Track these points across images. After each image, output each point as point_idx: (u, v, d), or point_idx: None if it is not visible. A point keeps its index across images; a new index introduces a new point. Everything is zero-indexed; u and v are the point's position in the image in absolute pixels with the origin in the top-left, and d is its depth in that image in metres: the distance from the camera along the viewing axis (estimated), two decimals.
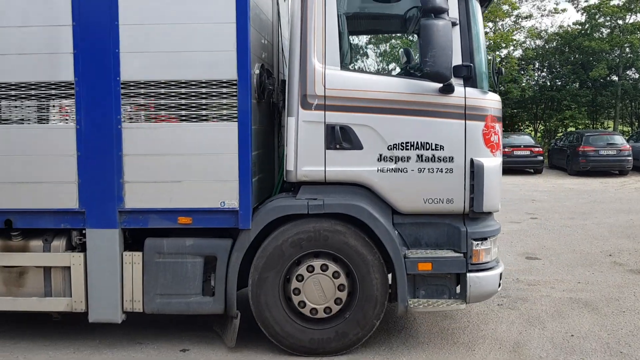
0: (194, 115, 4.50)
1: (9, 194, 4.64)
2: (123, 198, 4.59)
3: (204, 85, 4.47)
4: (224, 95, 4.47)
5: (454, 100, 4.53)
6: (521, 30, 30.62)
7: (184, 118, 4.51)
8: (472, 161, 4.55)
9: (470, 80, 4.56)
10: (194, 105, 4.49)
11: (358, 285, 4.57)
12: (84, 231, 4.67)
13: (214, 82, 4.46)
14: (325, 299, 4.58)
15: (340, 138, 4.53)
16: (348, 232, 4.52)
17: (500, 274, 4.75)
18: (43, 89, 4.54)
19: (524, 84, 28.58)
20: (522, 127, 32.39)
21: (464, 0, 4.54)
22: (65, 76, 4.52)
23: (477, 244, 4.59)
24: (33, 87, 4.54)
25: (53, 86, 4.54)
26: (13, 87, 4.55)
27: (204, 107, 4.49)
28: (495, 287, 4.71)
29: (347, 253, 4.54)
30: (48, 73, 4.53)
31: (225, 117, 4.49)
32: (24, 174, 4.62)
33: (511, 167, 19.93)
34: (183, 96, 4.48)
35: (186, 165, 4.55)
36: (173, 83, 4.47)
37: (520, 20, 30.64)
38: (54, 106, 4.59)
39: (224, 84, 4.46)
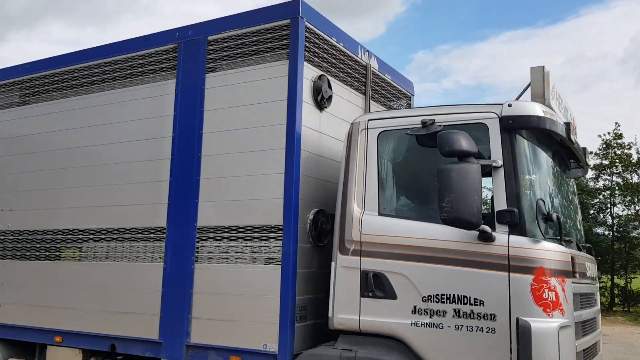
0: (248, 258, 4.85)
1: (114, 322, 5.48)
2: (190, 333, 5.04)
3: (257, 230, 4.83)
4: (272, 239, 4.75)
5: (495, 249, 4.02)
6: None
7: (240, 260, 4.88)
8: (517, 321, 3.87)
9: (516, 227, 4.02)
10: (249, 248, 4.86)
11: None
12: None
13: (265, 227, 4.80)
14: None
15: (373, 286, 4.34)
16: None
17: None
18: (146, 232, 5.45)
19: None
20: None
21: (508, 142, 4.16)
22: (160, 222, 5.36)
23: None
24: (140, 231, 5.48)
25: (152, 230, 5.41)
26: (127, 231, 5.56)
27: (256, 250, 4.82)
28: None
29: None
30: (149, 221, 5.43)
31: (271, 261, 4.73)
32: (125, 305, 5.44)
33: None
34: (241, 239, 4.90)
35: (238, 305, 4.83)
36: (234, 228, 4.95)
37: None
38: (151, 247, 5.42)
39: (272, 229, 4.76)
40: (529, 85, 4.55)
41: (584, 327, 4.43)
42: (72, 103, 6.19)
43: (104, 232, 5.70)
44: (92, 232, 5.79)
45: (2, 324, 6.29)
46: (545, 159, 4.53)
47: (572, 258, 4.20)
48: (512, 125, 4.17)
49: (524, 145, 4.24)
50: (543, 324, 3.84)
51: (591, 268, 4.87)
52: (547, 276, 3.92)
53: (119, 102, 5.82)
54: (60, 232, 6.02)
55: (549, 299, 3.89)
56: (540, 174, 4.44)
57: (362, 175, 4.60)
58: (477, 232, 4.01)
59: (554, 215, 4.13)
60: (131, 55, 5.84)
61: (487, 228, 3.97)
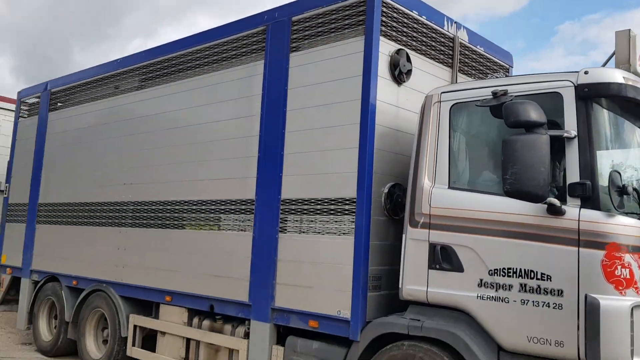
0: (325, 229, 5.08)
1: (212, 285, 6.00)
2: (274, 297, 5.40)
3: (332, 202, 5.04)
4: (346, 212, 4.93)
5: (565, 223, 3.86)
6: None
7: (318, 231, 5.13)
8: (585, 298, 3.71)
9: (589, 200, 3.83)
10: (325, 219, 5.08)
11: None
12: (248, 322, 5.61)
13: (340, 200, 4.99)
14: None
15: (441, 258, 4.37)
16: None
17: None
18: (237, 204, 5.88)
19: None
20: None
21: (584, 111, 3.94)
22: (250, 195, 5.76)
23: None
24: (232, 203, 5.92)
25: (243, 202, 5.82)
26: (222, 203, 6.03)
27: (332, 221, 5.03)
28: None
29: None
30: (241, 193, 5.85)
31: (345, 232, 4.92)
32: (221, 270, 5.94)
33: None
34: (319, 212, 5.14)
35: (316, 273, 5.09)
36: (313, 200, 5.19)
37: None
38: (242, 218, 5.84)
39: (347, 202, 4.94)
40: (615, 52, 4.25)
41: None
42: (178, 86, 6.77)
43: (203, 203, 6.23)
44: (193, 203, 6.35)
45: (125, 284, 7.12)
46: (627, 129, 4.23)
47: None
48: (589, 94, 3.94)
49: (601, 114, 3.99)
50: (614, 302, 3.65)
51: None
52: (621, 252, 3.71)
53: (215, 84, 6.28)
54: (169, 203, 6.66)
55: (622, 276, 3.69)
56: (620, 145, 4.16)
57: (434, 148, 4.60)
58: (546, 206, 3.88)
59: (631, 189, 3.87)
60: (225, 40, 6.26)
61: (555, 201, 3.83)
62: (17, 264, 9.23)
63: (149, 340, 6.94)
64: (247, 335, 5.69)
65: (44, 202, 8.84)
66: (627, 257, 3.71)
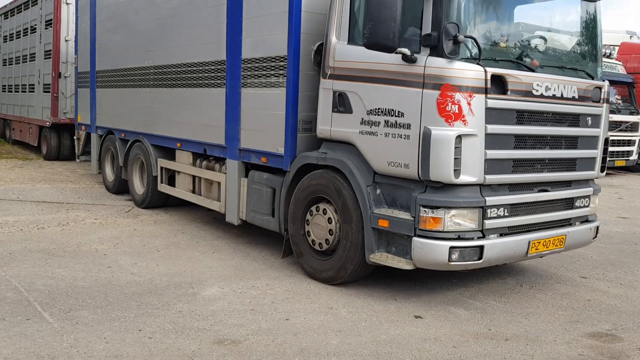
0: (267, 83, 6.17)
1: (204, 132, 7.41)
2: (240, 140, 6.70)
3: (273, 59, 6.06)
4: (280, 67, 5.96)
5: (416, 69, 4.68)
6: None
7: (264, 85, 6.23)
8: (423, 129, 4.63)
9: (435, 49, 4.59)
10: (268, 75, 6.15)
11: (342, 230, 5.33)
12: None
13: (276, 58, 6.00)
14: (322, 235, 5.54)
15: (338, 103, 5.37)
16: (344, 183, 5.30)
17: (456, 247, 4.59)
18: (214, 65, 7.06)
19: None
20: None
21: None
22: (222, 56, 6.90)
23: (425, 210, 4.64)
24: (213, 64, 7.11)
25: (218, 63, 6.99)
26: (199, 65, 7.24)
27: (271, 76, 6.09)
28: (443, 258, 4.60)
29: (336, 200, 5.37)
30: (215, 55, 7.00)
31: (281, 84, 5.98)
32: (209, 120, 7.29)
33: None
34: (263, 69, 6.21)
35: (265, 119, 6.27)
36: (260, 59, 6.25)
37: None
38: (212, 77, 7.05)
39: (281, 59, 5.94)
40: None
41: (538, 140, 4.97)
42: None
43: (193, 65, 7.48)
44: (187, 65, 7.62)
45: (152, 134, 8.76)
46: None
47: (499, 77, 4.63)
48: None
49: None
50: (442, 132, 4.55)
51: (565, 88, 5.08)
52: (452, 92, 4.52)
53: None
54: (173, 66, 7.99)
55: (452, 111, 4.53)
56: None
57: (340, 8, 5.40)
58: (401, 55, 4.69)
59: (462, 37, 4.52)
60: None
61: (405, 50, 4.63)
62: (87, 122, 11.22)
63: (172, 179, 8.64)
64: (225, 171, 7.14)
65: (99, 70, 10.53)
66: (457, 96, 4.52)
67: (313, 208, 5.64)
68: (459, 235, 4.67)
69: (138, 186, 9.42)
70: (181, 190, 8.21)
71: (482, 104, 4.58)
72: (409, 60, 4.68)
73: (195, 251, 6.68)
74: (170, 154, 8.62)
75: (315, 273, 5.64)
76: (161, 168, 8.67)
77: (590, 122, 5.43)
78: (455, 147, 4.53)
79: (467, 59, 4.62)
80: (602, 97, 5.53)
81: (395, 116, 4.87)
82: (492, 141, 4.70)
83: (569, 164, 5.36)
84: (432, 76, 4.59)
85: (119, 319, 4.53)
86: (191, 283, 5.47)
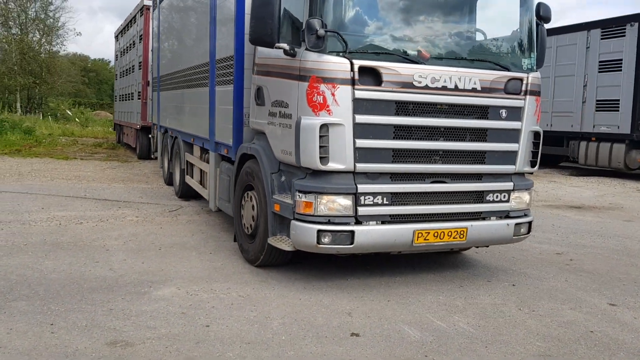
0: (224, 81, 6.79)
1: (201, 128, 8.21)
2: (215, 133, 7.38)
3: (228, 59, 6.67)
4: (228, 67, 6.54)
5: (296, 63, 4.99)
6: None
7: (223, 83, 6.86)
8: (297, 118, 4.92)
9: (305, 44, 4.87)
10: (224, 74, 6.77)
11: (260, 215, 5.76)
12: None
13: (228, 58, 6.59)
14: (249, 219, 6.00)
15: (257, 96, 5.82)
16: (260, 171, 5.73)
17: (325, 231, 4.80)
18: (204, 67, 7.83)
19: None
20: None
21: None
22: (207, 59, 7.64)
23: (300, 195, 4.93)
24: (201, 66, 7.89)
25: (206, 65, 7.75)
26: (198, 67, 8.04)
27: (226, 74, 6.69)
28: (312, 241, 4.83)
29: (257, 187, 5.82)
30: (205, 58, 7.77)
31: (230, 82, 6.55)
32: (202, 116, 8.08)
33: None
34: (222, 68, 6.83)
35: (225, 114, 6.89)
36: (222, 59, 6.89)
37: None
38: (204, 78, 7.80)
39: (230, 59, 6.53)
40: None
41: (428, 131, 5.02)
42: None
43: (194, 67, 8.33)
44: (192, 68, 8.48)
45: (181, 131, 9.78)
46: None
47: (372, 69, 4.78)
48: None
49: None
50: (309, 121, 4.83)
51: (461, 79, 5.04)
52: (318, 83, 4.77)
53: None
54: (187, 70, 8.93)
55: (317, 102, 4.79)
56: None
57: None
58: (283, 50, 5.04)
59: (332, 32, 4.72)
60: None
61: (283, 45, 4.98)
62: (156, 121, 12.67)
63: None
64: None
65: (161, 75, 11.87)
66: (322, 87, 4.76)
67: (245, 194, 6.12)
68: (329, 220, 4.87)
69: (177, 178, 10.51)
70: (194, 182, 9.08)
71: (348, 95, 4.76)
72: (289, 54, 5.01)
73: (194, 251, 6.51)
74: (189, 149, 9.56)
75: (244, 254, 6.12)
76: (187, 161, 9.64)
77: (505, 115, 5.28)
78: (322, 136, 4.77)
79: (340, 53, 4.82)
80: (523, 88, 5.34)
81: (284, 107, 5.22)
82: (363, 131, 4.84)
83: (475, 157, 5.27)
84: (304, 69, 4.89)
85: (45, 312, 4.47)
86: (153, 282, 5.30)
